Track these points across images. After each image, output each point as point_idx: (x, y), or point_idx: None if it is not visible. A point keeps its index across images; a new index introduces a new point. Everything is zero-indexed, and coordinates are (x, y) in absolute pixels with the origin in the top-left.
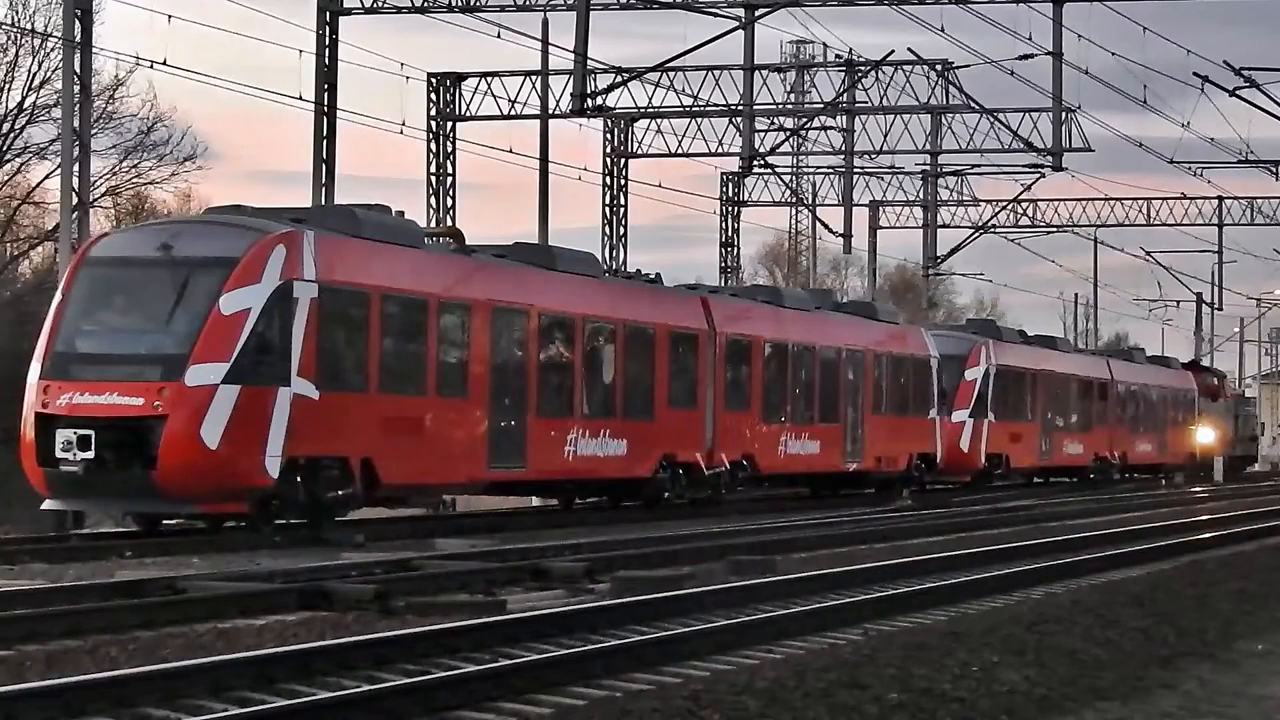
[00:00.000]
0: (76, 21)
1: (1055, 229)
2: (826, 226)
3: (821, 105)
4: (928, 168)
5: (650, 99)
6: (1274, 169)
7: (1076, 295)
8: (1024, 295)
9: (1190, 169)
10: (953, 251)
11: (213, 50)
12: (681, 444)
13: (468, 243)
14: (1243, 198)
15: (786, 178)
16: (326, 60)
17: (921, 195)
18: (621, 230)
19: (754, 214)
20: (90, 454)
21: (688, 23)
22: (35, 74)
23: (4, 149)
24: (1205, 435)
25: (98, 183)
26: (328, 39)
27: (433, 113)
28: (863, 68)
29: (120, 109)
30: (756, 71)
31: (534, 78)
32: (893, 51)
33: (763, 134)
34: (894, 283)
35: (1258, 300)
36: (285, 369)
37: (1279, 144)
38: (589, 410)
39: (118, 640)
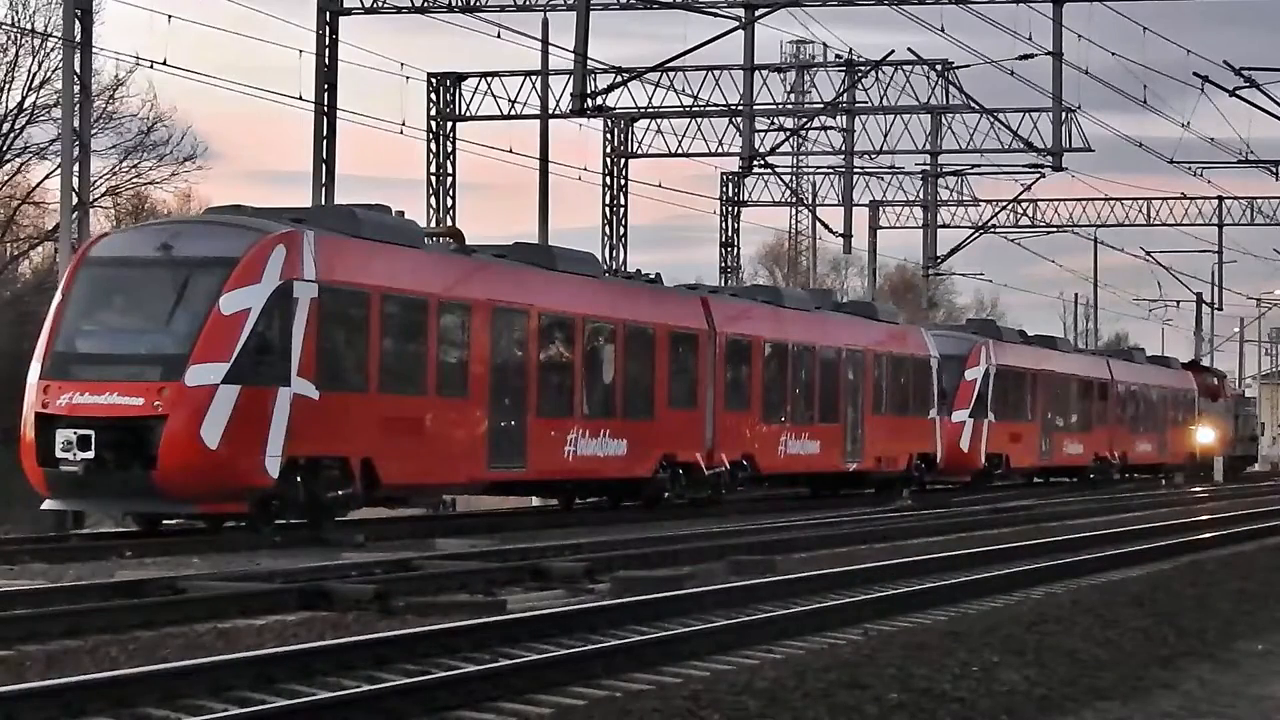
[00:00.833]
0: (76, 21)
1: (1055, 229)
2: (826, 226)
3: (821, 105)
4: (928, 168)
5: (650, 99)
6: (1274, 169)
7: (1076, 295)
8: (1024, 295)
9: (1190, 169)
10: (953, 251)
11: (213, 50)
12: (681, 444)
13: (468, 243)
14: (1243, 198)
15: (786, 178)
16: (326, 60)
17: (921, 195)
18: (621, 230)
19: (754, 214)
20: (90, 454)
21: (688, 23)
22: (35, 74)
23: (4, 149)
24: (1205, 435)
25: (98, 183)
26: (328, 39)
27: (433, 113)
28: (863, 68)
29: (120, 109)
30: (756, 71)
31: (534, 78)
32: (893, 51)
33: (763, 134)
34: (894, 283)
35: (1258, 300)
36: (285, 369)
37: (1279, 144)
38: (589, 410)
39: (118, 640)
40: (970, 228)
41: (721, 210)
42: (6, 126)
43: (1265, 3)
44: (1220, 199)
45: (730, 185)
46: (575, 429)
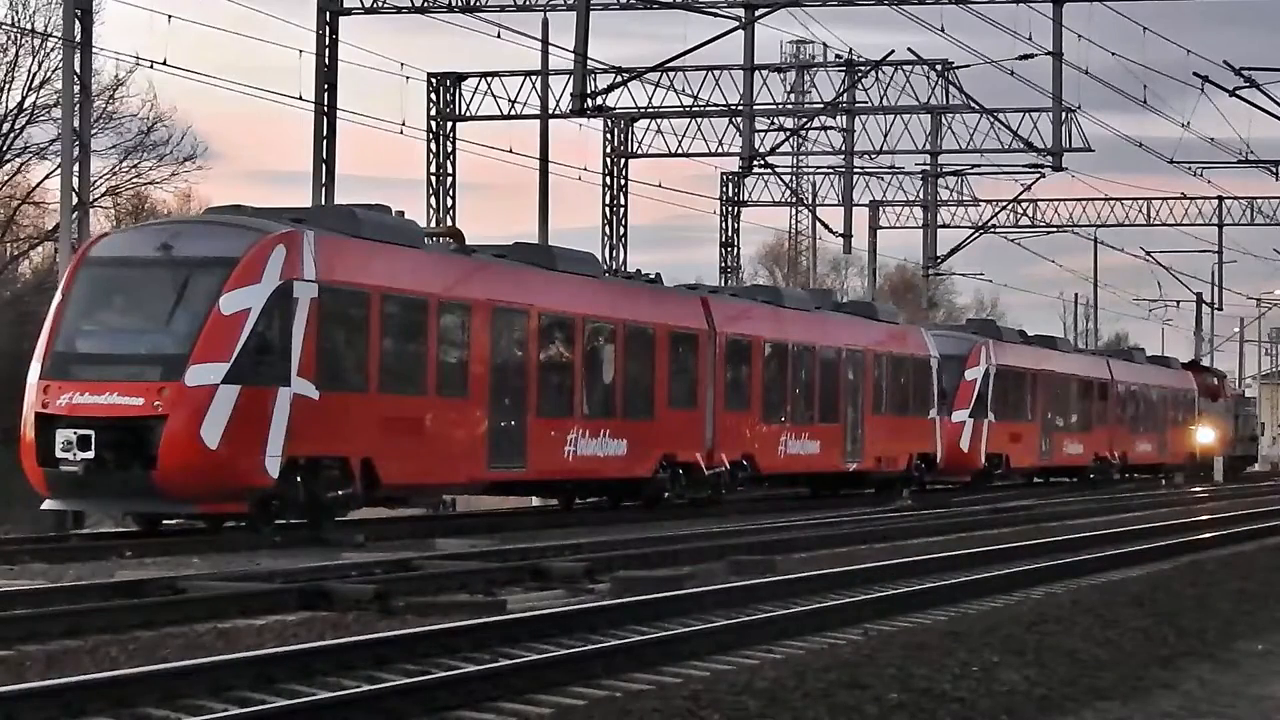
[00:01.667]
0: (76, 21)
1: (1055, 229)
2: (826, 226)
3: (821, 105)
4: (928, 168)
5: (650, 99)
6: (1274, 169)
7: (1076, 295)
8: (1024, 295)
9: (1190, 169)
10: (953, 251)
11: (213, 50)
12: (681, 444)
13: (468, 243)
14: (1243, 198)
15: (786, 178)
16: (326, 60)
17: (921, 195)
18: (621, 230)
19: (754, 214)
20: (90, 454)
21: (688, 23)
22: (35, 74)
23: (4, 149)
24: (1205, 435)
25: (98, 183)
26: (328, 39)
27: (433, 113)
28: (863, 68)
29: (120, 109)
30: (756, 71)
31: (534, 78)
32: (893, 51)
33: (763, 134)
34: (894, 283)
35: (1258, 300)
36: (285, 369)
37: (1279, 144)
38: (589, 410)
39: (118, 640)
40: (970, 228)
41: (721, 210)
42: (6, 126)
43: (1265, 3)
44: (1220, 199)
45: (730, 185)
46: (575, 429)
